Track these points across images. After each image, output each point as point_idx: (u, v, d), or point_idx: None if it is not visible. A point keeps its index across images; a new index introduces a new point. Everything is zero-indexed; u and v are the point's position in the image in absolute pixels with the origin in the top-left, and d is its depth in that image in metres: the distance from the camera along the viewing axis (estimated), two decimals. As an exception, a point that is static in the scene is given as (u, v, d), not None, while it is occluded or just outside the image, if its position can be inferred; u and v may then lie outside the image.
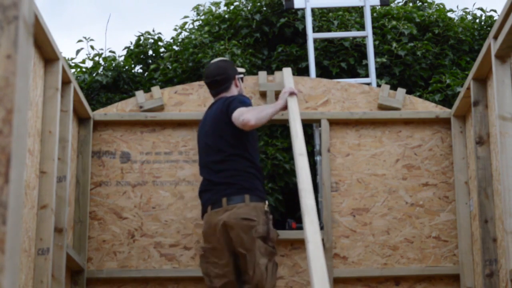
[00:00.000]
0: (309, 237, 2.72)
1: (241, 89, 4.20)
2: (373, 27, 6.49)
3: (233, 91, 4.13)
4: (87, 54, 7.85)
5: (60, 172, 3.78)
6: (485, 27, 7.02)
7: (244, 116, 3.79)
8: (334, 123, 4.57)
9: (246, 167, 3.85)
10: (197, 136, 4.19)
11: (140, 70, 7.01)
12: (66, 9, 18.62)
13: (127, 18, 17.23)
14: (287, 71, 4.58)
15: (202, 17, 7.18)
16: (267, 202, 3.83)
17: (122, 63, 6.76)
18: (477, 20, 7.18)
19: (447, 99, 5.95)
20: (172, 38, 7.14)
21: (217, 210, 3.80)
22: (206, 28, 6.78)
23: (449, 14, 7.11)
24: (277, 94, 4.54)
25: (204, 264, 3.84)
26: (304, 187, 3.13)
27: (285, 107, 4.03)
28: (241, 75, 4.24)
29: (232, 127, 3.90)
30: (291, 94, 4.10)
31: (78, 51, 6.85)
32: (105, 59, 6.83)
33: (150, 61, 6.99)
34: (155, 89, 4.63)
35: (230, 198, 3.79)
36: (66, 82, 3.90)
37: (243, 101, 3.94)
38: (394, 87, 5.49)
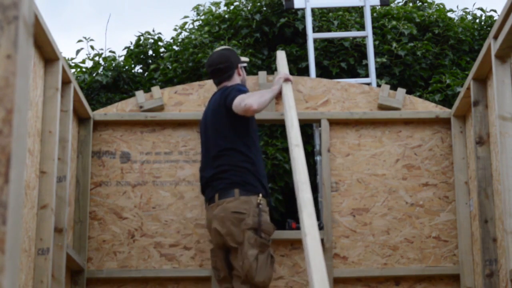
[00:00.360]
0: (307, 230, 2.69)
1: (244, 78, 4.22)
2: (373, 27, 6.49)
3: (236, 80, 4.15)
4: (87, 54, 7.85)
5: (60, 172, 3.78)
6: (485, 27, 7.02)
7: (246, 101, 3.82)
8: (334, 123, 4.57)
9: (239, 161, 3.88)
10: (200, 128, 4.22)
11: (140, 70, 7.01)
12: (66, 9, 18.62)
13: (127, 18, 17.23)
14: (281, 55, 4.58)
15: (202, 17, 7.18)
16: (260, 195, 3.84)
17: (122, 63, 6.76)
18: (477, 20, 7.18)
19: (447, 99, 5.95)
20: (172, 38, 7.14)
21: (211, 205, 3.89)
22: (206, 28, 6.78)
23: (449, 14, 7.11)
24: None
25: (213, 258, 3.93)
26: (300, 179, 3.08)
27: (280, 93, 4.09)
28: (244, 64, 4.26)
29: (229, 120, 3.93)
30: (286, 80, 4.13)
31: (78, 51, 6.85)
32: (105, 59, 6.84)
33: (150, 61, 6.99)
34: (155, 89, 4.64)
35: (221, 193, 3.86)
36: (66, 82, 3.90)
37: (241, 90, 3.99)
38: (394, 87, 5.49)
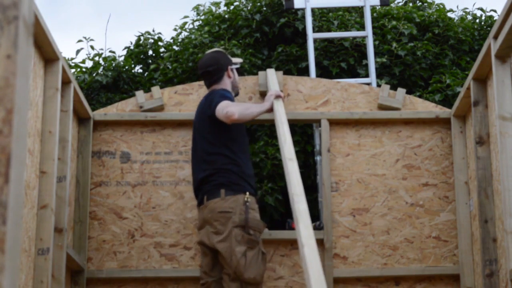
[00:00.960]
0: (304, 241, 2.71)
1: (235, 80, 4.23)
2: (373, 27, 6.49)
3: (226, 82, 4.17)
4: (87, 54, 7.85)
5: (60, 172, 3.78)
6: (485, 27, 7.02)
7: (229, 109, 3.85)
8: (334, 123, 4.57)
9: (223, 164, 3.94)
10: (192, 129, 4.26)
11: (140, 70, 7.01)
12: (64, 9, 18.62)
13: (126, 18, 17.23)
14: (271, 72, 4.58)
15: (202, 17, 7.17)
16: (247, 193, 3.86)
17: (122, 63, 6.76)
18: (477, 20, 7.18)
19: (447, 99, 5.94)
20: (172, 38, 7.14)
21: (201, 207, 3.96)
22: (206, 28, 6.78)
23: (449, 14, 7.11)
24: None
25: (201, 256, 4.01)
26: (296, 192, 3.12)
27: (271, 109, 4.06)
28: (237, 66, 4.26)
29: (213, 125, 3.98)
30: (277, 97, 4.13)
31: (78, 51, 6.85)
32: (105, 59, 6.83)
33: (150, 61, 6.99)
34: (155, 89, 4.64)
35: (209, 195, 3.92)
36: (66, 82, 3.90)
37: (225, 95, 4.01)
38: (394, 87, 5.49)
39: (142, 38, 6.97)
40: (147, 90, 6.11)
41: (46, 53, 3.58)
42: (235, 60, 4.30)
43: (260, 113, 4.03)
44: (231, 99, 4.02)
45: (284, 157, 3.45)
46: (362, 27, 6.47)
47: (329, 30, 6.56)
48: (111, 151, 4.54)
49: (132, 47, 6.99)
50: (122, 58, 6.91)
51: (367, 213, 4.44)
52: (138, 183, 4.48)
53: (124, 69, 6.68)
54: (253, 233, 3.81)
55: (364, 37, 6.00)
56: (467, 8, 7.35)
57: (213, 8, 7.14)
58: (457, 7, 9.29)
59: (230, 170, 3.91)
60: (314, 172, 5.29)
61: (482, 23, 7.08)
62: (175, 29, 7.17)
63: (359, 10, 6.88)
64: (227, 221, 3.81)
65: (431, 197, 4.46)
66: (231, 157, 3.94)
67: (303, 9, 5.83)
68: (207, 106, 4.02)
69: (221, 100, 3.93)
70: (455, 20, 7.03)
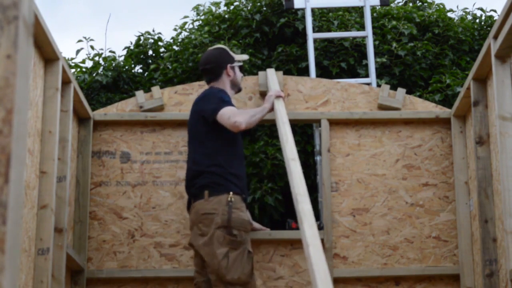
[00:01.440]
0: (309, 241, 2.70)
1: (235, 78, 4.18)
2: (373, 27, 6.49)
3: (224, 80, 4.15)
4: (87, 54, 7.85)
5: (60, 172, 3.78)
6: (485, 27, 7.02)
7: (237, 119, 3.83)
8: (334, 123, 4.57)
9: (207, 166, 3.92)
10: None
11: (140, 70, 7.01)
12: (61, 9, 18.62)
13: (126, 18, 17.23)
14: (271, 72, 4.57)
15: (202, 17, 7.18)
16: (231, 193, 3.84)
17: (122, 63, 6.77)
18: (477, 20, 7.18)
19: (447, 99, 5.95)
20: (172, 38, 7.14)
21: (190, 209, 3.97)
22: (206, 28, 6.78)
23: (449, 14, 7.12)
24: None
25: (194, 257, 4.02)
26: (299, 192, 3.10)
27: (271, 109, 4.07)
28: (239, 63, 4.22)
29: (203, 125, 3.95)
30: (278, 96, 4.12)
31: (78, 51, 6.86)
32: (105, 59, 6.84)
33: (150, 61, 6.99)
34: (155, 89, 4.64)
35: (194, 197, 3.92)
36: (66, 82, 3.90)
37: (224, 100, 3.96)
38: (394, 87, 5.49)
39: (142, 38, 6.97)
40: (147, 90, 6.11)
41: (46, 53, 3.58)
42: (239, 57, 4.25)
43: (264, 116, 4.04)
44: (230, 102, 3.98)
45: (287, 157, 3.44)
46: (362, 27, 6.47)
47: (329, 30, 6.56)
48: (111, 151, 4.54)
49: (132, 47, 7.00)
50: (122, 58, 6.92)
51: (367, 213, 4.44)
52: (138, 183, 4.48)
53: (124, 69, 6.69)
54: (237, 233, 3.78)
55: (364, 37, 6.01)
56: (467, 8, 7.36)
57: (213, 8, 7.14)
58: (457, 7, 9.30)
59: (212, 172, 3.89)
60: (314, 172, 5.29)
61: (482, 23, 7.08)
62: (175, 29, 7.18)
63: (359, 10, 6.88)
64: (210, 223, 3.80)
65: (431, 197, 4.46)
66: (214, 158, 3.91)
67: (303, 9, 5.83)
68: (201, 106, 3.99)
69: (222, 106, 3.89)
70: (455, 20, 7.04)
